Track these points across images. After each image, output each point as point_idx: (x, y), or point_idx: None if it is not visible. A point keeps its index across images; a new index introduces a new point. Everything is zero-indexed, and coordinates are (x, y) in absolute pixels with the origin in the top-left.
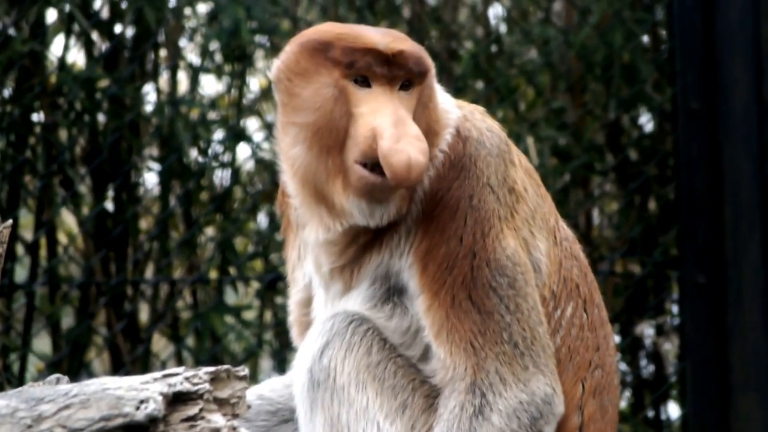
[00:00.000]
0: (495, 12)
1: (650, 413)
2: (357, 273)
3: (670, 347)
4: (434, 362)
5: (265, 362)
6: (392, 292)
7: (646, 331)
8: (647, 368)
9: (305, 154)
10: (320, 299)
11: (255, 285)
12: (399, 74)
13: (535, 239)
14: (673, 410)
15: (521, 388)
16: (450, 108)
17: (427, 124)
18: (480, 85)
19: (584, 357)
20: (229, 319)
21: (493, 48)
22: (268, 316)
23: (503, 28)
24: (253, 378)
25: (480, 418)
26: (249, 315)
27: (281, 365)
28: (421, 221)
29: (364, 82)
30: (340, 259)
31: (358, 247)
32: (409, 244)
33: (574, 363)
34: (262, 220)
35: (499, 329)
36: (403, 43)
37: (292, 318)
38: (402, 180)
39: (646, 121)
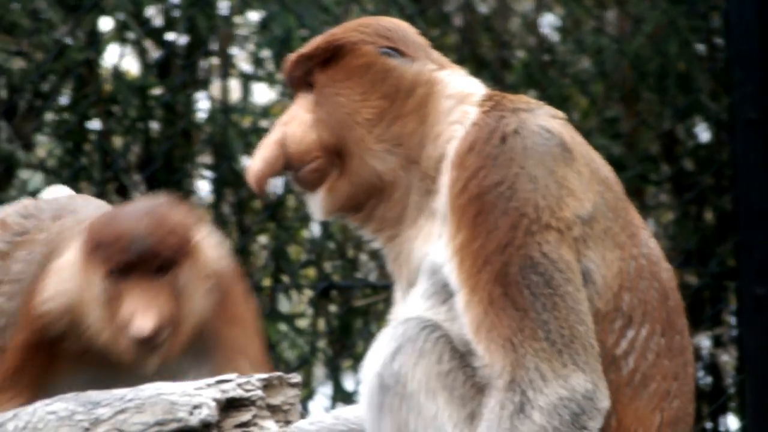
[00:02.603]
0: (547, 21)
1: (708, 425)
2: (411, 267)
3: (727, 358)
4: (476, 361)
5: (319, 370)
6: (446, 292)
7: (703, 342)
8: (704, 379)
9: None
10: (397, 302)
11: (308, 293)
12: (294, 81)
13: (587, 246)
14: (732, 422)
15: (561, 384)
16: (464, 104)
17: (350, 112)
18: (532, 94)
19: (661, 385)
20: (283, 327)
21: (546, 57)
22: (321, 323)
23: (556, 37)
24: (306, 386)
25: (521, 415)
26: (302, 323)
27: (334, 373)
28: (452, 213)
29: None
30: (391, 252)
31: (398, 237)
32: (446, 237)
33: (650, 390)
34: (315, 227)
35: (536, 327)
36: (303, 47)
37: None
38: (251, 186)
39: (702, 131)
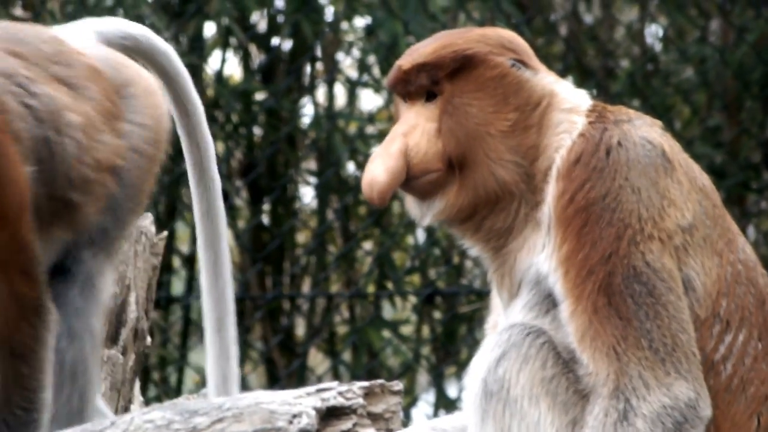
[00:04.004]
0: (651, 31)
1: None
2: (514, 278)
3: None
4: (580, 369)
5: (422, 377)
6: (549, 303)
7: None
8: None
9: None
10: (502, 311)
11: (412, 299)
12: (411, 89)
13: (688, 255)
14: None
15: (664, 392)
16: (571, 114)
17: (481, 124)
18: (636, 103)
19: (759, 389)
20: (386, 334)
21: (649, 66)
22: (425, 330)
23: (659, 47)
24: (409, 393)
25: (625, 423)
26: (406, 329)
27: (437, 380)
28: (557, 224)
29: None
30: (494, 263)
31: (502, 249)
32: (551, 247)
33: (747, 394)
34: (420, 234)
35: (639, 335)
36: (426, 53)
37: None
38: (367, 197)
39: None
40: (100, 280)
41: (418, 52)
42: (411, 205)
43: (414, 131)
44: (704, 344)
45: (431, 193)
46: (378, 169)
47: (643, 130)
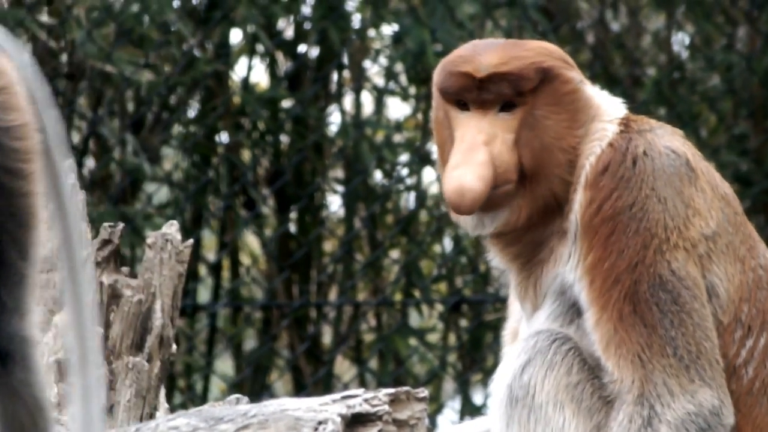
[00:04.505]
0: (678, 38)
1: None
2: (539, 290)
3: None
4: (605, 376)
5: (448, 384)
6: (573, 312)
7: None
8: None
9: (440, 172)
10: (524, 322)
11: (439, 307)
12: (489, 98)
13: (712, 262)
14: None
15: (688, 399)
16: (604, 122)
17: (555, 138)
18: (662, 111)
19: None
20: (413, 342)
21: (676, 74)
22: (451, 338)
23: (686, 55)
24: (435, 400)
25: (649, 429)
26: (432, 337)
27: (464, 388)
28: (583, 233)
29: (464, 105)
30: (519, 275)
31: (529, 260)
32: (576, 257)
33: None
34: (447, 242)
35: (664, 343)
36: (502, 63)
37: (504, 350)
38: (454, 205)
39: None
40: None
41: (489, 62)
42: (475, 217)
43: (494, 141)
44: (727, 350)
45: (499, 205)
46: (468, 177)
47: (666, 139)
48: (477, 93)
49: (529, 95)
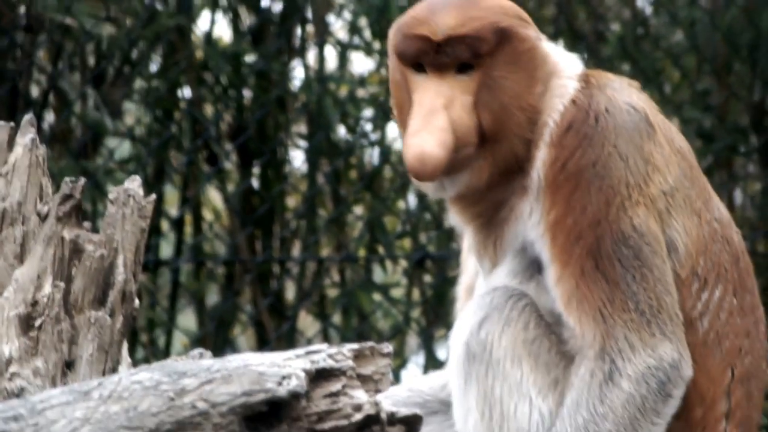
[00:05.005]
0: None
1: None
2: (499, 248)
3: None
4: (565, 332)
5: (412, 340)
6: (533, 269)
7: None
8: None
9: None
10: (480, 279)
11: (403, 263)
12: (446, 61)
13: (671, 217)
14: None
15: (649, 353)
16: (564, 79)
17: (514, 97)
18: (626, 67)
19: (734, 343)
20: (377, 297)
21: (640, 30)
22: (415, 294)
23: (650, 10)
24: (399, 355)
25: (610, 384)
26: (396, 293)
27: (427, 343)
28: (547, 190)
29: (421, 67)
30: (479, 233)
31: (490, 219)
32: (539, 214)
33: (722, 348)
34: (411, 199)
35: (626, 298)
36: (459, 25)
37: (458, 305)
38: (415, 172)
39: None
40: None
41: (446, 24)
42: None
43: (453, 104)
44: (684, 303)
45: (460, 168)
46: (429, 144)
47: (626, 94)
48: (434, 56)
49: (487, 57)
